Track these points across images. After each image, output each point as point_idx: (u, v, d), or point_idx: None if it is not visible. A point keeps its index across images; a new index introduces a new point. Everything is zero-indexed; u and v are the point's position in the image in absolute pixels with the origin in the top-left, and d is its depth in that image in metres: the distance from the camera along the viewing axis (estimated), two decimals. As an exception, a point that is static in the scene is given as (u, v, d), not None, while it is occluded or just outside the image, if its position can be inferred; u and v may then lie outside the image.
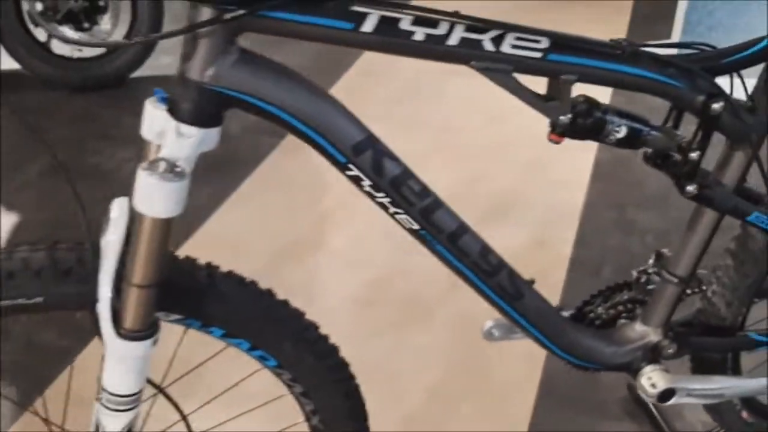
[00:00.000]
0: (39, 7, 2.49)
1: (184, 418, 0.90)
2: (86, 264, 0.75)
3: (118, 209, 0.74)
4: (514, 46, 0.75)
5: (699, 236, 0.98)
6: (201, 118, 0.70)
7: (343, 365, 0.94)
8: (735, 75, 0.88)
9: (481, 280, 0.90)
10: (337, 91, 2.71)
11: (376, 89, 2.77)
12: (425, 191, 0.82)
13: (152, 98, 0.72)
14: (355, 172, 0.77)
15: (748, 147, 0.90)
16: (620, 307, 1.08)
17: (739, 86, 0.87)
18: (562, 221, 1.99)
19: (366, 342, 1.66)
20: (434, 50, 0.73)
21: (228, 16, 0.64)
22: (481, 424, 1.47)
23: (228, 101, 0.70)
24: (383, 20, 0.70)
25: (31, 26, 2.53)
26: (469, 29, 0.73)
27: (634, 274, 1.09)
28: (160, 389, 0.87)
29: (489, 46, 0.74)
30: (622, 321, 1.09)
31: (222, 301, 0.82)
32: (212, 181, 2.13)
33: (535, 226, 2.00)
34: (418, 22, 0.71)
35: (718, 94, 0.84)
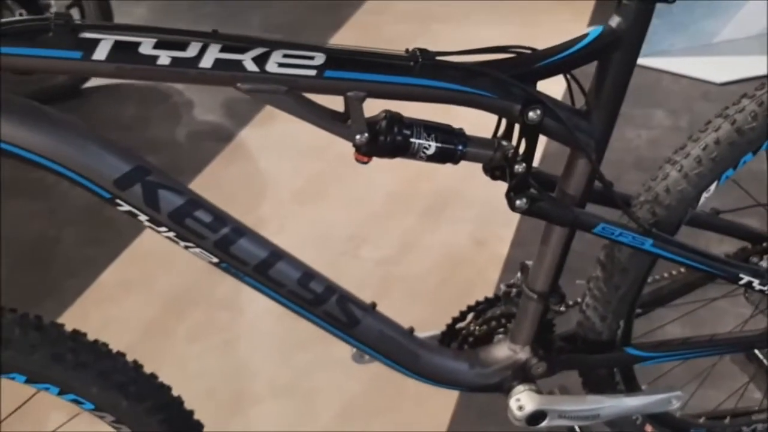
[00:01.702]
0: None
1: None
2: None
3: None
4: (282, 65, 0.68)
5: (553, 250, 0.91)
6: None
7: (173, 403, 0.89)
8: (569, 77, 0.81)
9: (304, 309, 0.84)
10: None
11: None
12: (219, 221, 0.76)
13: None
14: (125, 207, 0.72)
15: (589, 153, 0.83)
16: (493, 323, 1.02)
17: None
18: (502, 219, 1.91)
19: (289, 356, 1.61)
20: (186, 74, 0.67)
21: None
22: (394, 440, 1.41)
23: (-41, 144, 0.65)
24: (118, 46, 0.64)
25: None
26: (225, 49, 0.67)
27: (503, 287, 1.02)
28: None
29: (251, 67, 0.68)
30: (498, 336, 1.03)
31: (12, 346, 0.78)
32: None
33: (475, 225, 1.93)
34: (161, 45, 0.65)
35: (534, 101, 0.76)
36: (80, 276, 1.85)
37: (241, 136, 2.35)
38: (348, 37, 2.97)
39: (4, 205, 2.04)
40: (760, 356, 1.27)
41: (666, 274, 1.09)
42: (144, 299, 1.78)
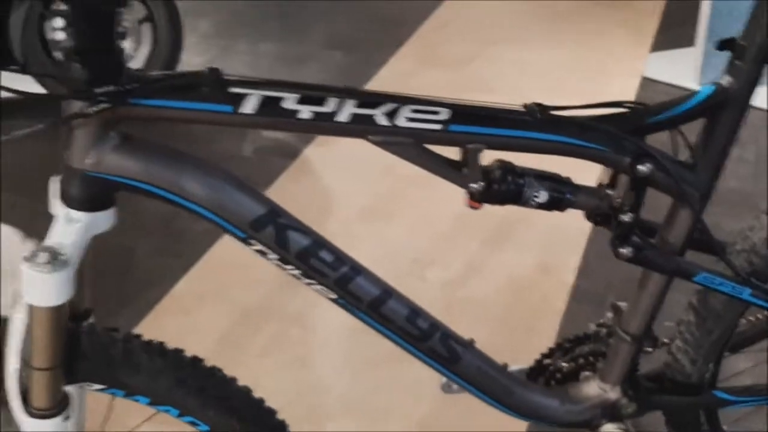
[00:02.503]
0: (62, 35, 2.56)
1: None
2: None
3: (27, 285, 0.74)
4: (411, 119, 0.73)
5: (650, 294, 0.93)
6: (88, 204, 0.70)
7: (278, 426, 0.93)
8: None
9: (410, 344, 0.88)
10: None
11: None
12: (340, 261, 0.81)
13: (56, 177, 0.73)
14: (258, 246, 0.76)
15: (693, 205, 0.85)
16: (581, 360, 1.04)
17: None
18: (568, 247, 1.93)
19: (360, 373, 1.65)
20: (324, 127, 0.71)
21: (92, 110, 0.64)
22: (465, 465, 1.44)
23: (113, 185, 0.70)
24: (265, 100, 0.69)
25: (55, 54, 2.60)
26: (360, 104, 0.71)
27: (592, 327, 1.05)
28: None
29: (383, 121, 0.72)
30: (586, 374, 1.05)
31: (141, 371, 0.83)
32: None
33: (540, 251, 1.95)
34: (303, 100, 0.70)
35: (645, 154, 0.79)
36: (155, 286, 1.91)
37: (306, 154, 2.40)
38: (408, 54, 3.02)
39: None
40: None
41: (752, 318, 1.10)
42: (217, 311, 1.83)
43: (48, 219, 0.71)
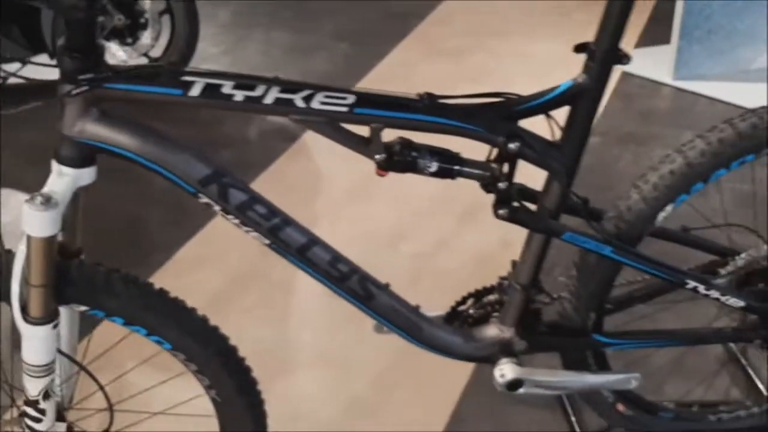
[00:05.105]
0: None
1: (101, 388, 1.14)
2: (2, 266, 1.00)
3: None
4: (323, 103, 0.94)
5: (533, 251, 1.14)
6: (74, 162, 0.93)
7: (230, 350, 1.15)
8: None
9: (333, 284, 1.09)
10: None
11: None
12: (272, 213, 1.02)
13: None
14: (204, 200, 0.99)
15: (561, 177, 1.05)
16: (488, 308, 1.25)
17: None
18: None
19: (331, 331, 1.87)
20: (254, 107, 0.93)
21: (74, 92, 0.86)
22: (408, 411, 1.65)
23: (93, 148, 0.93)
24: (207, 86, 0.91)
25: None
26: (282, 90, 0.93)
27: (498, 279, 1.26)
28: (82, 366, 1.12)
29: (301, 104, 0.94)
30: (494, 319, 1.26)
31: (117, 297, 1.05)
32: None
33: (503, 228, 2.13)
34: (237, 86, 0.92)
35: (515, 135, 1.00)
36: (161, 251, 2.15)
37: (304, 138, 2.63)
38: (411, 47, 3.22)
39: (104, 189, 2.37)
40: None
41: (639, 278, 1.30)
42: (213, 275, 2.07)
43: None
